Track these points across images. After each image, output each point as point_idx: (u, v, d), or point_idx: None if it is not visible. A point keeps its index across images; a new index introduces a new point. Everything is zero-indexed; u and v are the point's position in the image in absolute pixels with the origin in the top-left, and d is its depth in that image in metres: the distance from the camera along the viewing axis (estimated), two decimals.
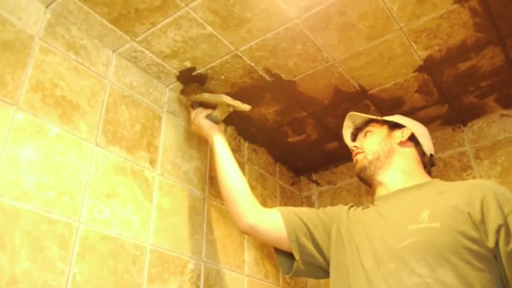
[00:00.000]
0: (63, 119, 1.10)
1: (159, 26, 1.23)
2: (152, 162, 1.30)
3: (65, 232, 1.01)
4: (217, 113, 1.36)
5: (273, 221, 1.13)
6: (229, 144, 1.62)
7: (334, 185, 1.93)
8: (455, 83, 1.47)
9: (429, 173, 1.19)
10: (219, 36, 1.27)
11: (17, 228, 0.92)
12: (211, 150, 1.33)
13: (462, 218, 0.90)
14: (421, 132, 1.22)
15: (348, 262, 1.02)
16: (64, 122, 1.10)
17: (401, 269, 0.91)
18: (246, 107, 1.33)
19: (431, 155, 1.21)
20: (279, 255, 1.15)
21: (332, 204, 1.87)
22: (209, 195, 1.47)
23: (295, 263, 1.11)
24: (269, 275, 1.61)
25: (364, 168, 1.17)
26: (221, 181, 1.23)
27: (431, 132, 1.71)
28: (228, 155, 1.27)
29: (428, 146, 1.21)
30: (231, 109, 1.35)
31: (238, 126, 1.69)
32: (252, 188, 1.68)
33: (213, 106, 1.38)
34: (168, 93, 1.46)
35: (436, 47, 1.32)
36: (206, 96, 1.37)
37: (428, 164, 1.20)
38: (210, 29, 1.24)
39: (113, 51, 1.31)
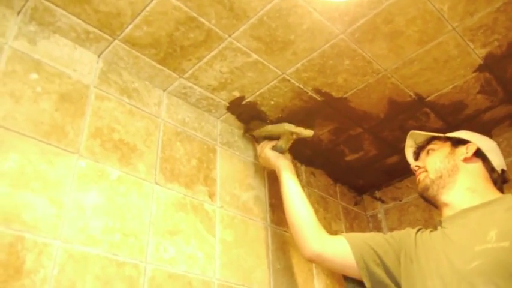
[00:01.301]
0: (122, 161, 1.12)
1: (205, 60, 1.24)
2: (211, 196, 1.30)
3: (133, 273, 1.01)
4: (281, 143, 1.38)
5: (340, 248, 1.10)
6: None
7: (400, 200, 1.83)
8: None
9: (501, 189, 1.10)
10: (265, 62, 1.26)
11: (87, 274, 0.93)
12: (279, 181, 1.33)
13: None
14: (489, 146, 1.14)
15: None
16: (123, 164, 1.12)
17: None
18: (309, 133, 1.34)
19: (502, 170, 1.11)
20: (348, 283, 1.10)
21: (400, 222, 1.78)
22: (271, 223, 1.44)
23: None
24: None
25: (426, 188, 1.11)
26: (287, 210, 1.23)
27: (500, 134, 1.61)
28: (294, 184, 1.27)
29: (498, 161, 1.12)
30: (294, 136, 1.36)
31: (293, 150, 1.65)
32: (314, 211, 1.63)
33: (277, 137, 1.40)
34: (219, 125, 1.46)
35: (496, 43, 1.23)
36: (269, 128, 1.40)
37: (499, 180, 1.10)
38: (254, 56, 1.24)
39: (164, 91, 1.34)
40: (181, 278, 1.10)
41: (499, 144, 1.60)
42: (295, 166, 1.67)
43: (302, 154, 1.68)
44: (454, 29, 1.18)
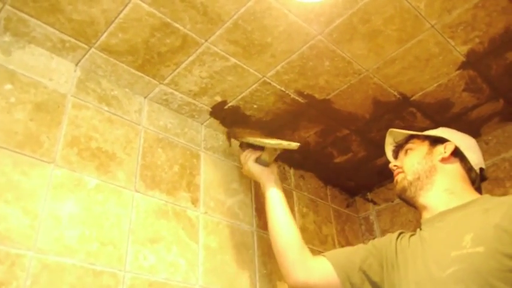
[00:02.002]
0: (101, 170, 1.12)
1: (183, 65, 1.24)
2: (194, 202, 1.29)
3: (110, 283, 1.00)
4: (265, 156, 1.33)
5: (325, 272, 1.07)
6: None
7: (392, 201, 1.81)
8: (506, 74, 1.34)
9: (479, 189, 1.08)
10: (244, 66, 1.25)
11: (62, 284, 0.92)
12: (264, 196, 1.29)
13: (507, 238, 0.81)
14: (467, 145, 1.11)
15: None
16: (101, 172, 1.11)
17: None
18: (294, 146, 1.26)
19: (481, 169, 1.09)
20: None
21: (392, 223, 1.76)
22: (257, 228, 1.42)
23: None
24: None
25: (404, 190, 1.09)
26: (271, 230, 1.19)
27: (490, 132, 1.59)
28: (279, 203, 1.22)
29: (476, 160, 1.09)
30: (278, 151, 1.31)
31: (280, 153, 1.64)
32: (304, 215, 1.62)
33: (261, 147, 1.35)
34: (203, 130, 1.45)
35: (477, 40, 1.22)
36: (251, 141, 1.35)
37: (477, 179, 1.08)
38: (233, 60, 1.23)
39: (144, 97, 1.33)
40: (162, 286, 1.09)
41: (488, 143, 1.60)
42: (283, 170, 1.66)
43: (290, 157, 1.67)
44: (432, 26, 1.16)
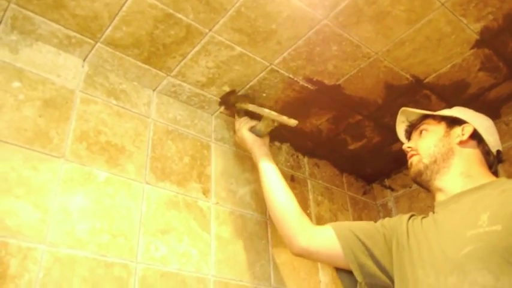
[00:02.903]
0: (110, 163, 1.13)
1: (189, 56, 1.23)
2: (205, 192, 1.29)
3: (122, 274, 1.01)
4: (261, 126, 1.29)
5: (327, 240, 1.04)
6: (287, 162, 1.59)
7: (410, 187, 1.77)
8: None
9: (495, 172, 1.04)
10: (250, 54, 1.24)
11: (74, 276, 0.94)
12: (257, 167, 1.26)
13: None
14: (485, 126, 1.07)
15: (409, 279, 0.92)
16: (111, 166, 1.13)
17: (462, 281, 0.81)
18: (292, 122, 1.24)
19: (498, 151, 1.05)
20: (340, 274, 1.06)
21: (411, 209, 1.72)
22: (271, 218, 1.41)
23: (358, 286, 1.00)
24: None
25: (419, 173, 1.05)
26: (268, 201, 1.17)
27: (510, 111, 1.53)
28: (273, 172, 1.20)
29: (493, 142, 1.05)
30: (276, 124, 1.28)
31: (293, 142, 1.64)
32: (319, 203, 1.61)
33: (258, 117, 1.31)
34: (214, 121, 1.45)
35: (490, 16, 1.17)
36: (251, 108, 1.32)
37: (495, 162, 1.04)
38: (239, 48, 1.22)
39: (153, 90, 1.34)
40: (174, 277, 1.09)
41: (508, 124, 1.54)
42: (297, 158, 1.65)
43: (304, 146, 1.65)
44: (443, 4, 1.12)
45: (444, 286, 0.83)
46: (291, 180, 1.56)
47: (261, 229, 1.37)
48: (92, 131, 1.14)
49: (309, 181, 1.64)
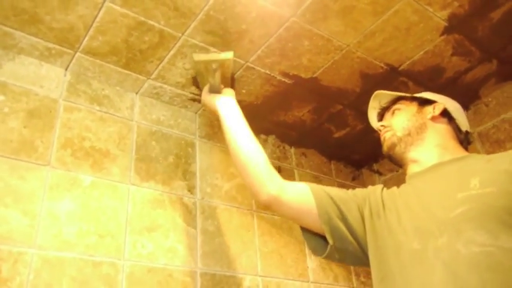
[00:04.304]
0: (95, 167, 1.19)
1: (166, 60, 1.28)
2: (191, 189, 1.34)
3: (110, 271, 1.08)
4: (210, 80, 1.22)
5: (302, 196, 1.00)
6: (274, 153, 1.63)
7: (397, 171, 1.81)
8: (495, 34, 1.30)
9: (466, 150, 1.07)
10: None
11: (63, 276, 1.01)
12: (220, 123, 1.16)
13: None
14: (455, 107, 1.10)
15: (388, 248, 0.92)
16: (96, 170, 1.19)
17: (455, 241, 0.81)
18: (226, 55, 1.19)
19: (467, 131, 1.08)
20: (307, 234, 1.04)
21: None
22: (257, 209, 1.47)
23: (328, 248, 0.99)
24: (339, 279, 1.55)
25: (393, 146, 1.07)
26: (233, 150, 1.09)
27: (489, 93, 1.55)
28: (236, 118, 1.12)
29: (463, 122, 1.08)
30: (214, 66, 1.19)
31: (279, 133, 1.68)
32: None
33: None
34: (198, 119, 1.50)
35: (455, 3, 1.19)
36: (198, 63, 1.23)
37: (465, 141, 1.07)
38: (213, 49, 1.26)
39: (136, 93, 1.39)
40: (161, 271, 1.16)
41: (488, 104, 1.56)
42: (283, 149, 1.69)
43: (289, 136, 1.70)
44: None
45: (434, 248, 0.84)
46: (278, 171, 1.60)
47: (248, 221, 1.42)
48: (76, 137, 1.20)
49: (295, 171, 1.68)
